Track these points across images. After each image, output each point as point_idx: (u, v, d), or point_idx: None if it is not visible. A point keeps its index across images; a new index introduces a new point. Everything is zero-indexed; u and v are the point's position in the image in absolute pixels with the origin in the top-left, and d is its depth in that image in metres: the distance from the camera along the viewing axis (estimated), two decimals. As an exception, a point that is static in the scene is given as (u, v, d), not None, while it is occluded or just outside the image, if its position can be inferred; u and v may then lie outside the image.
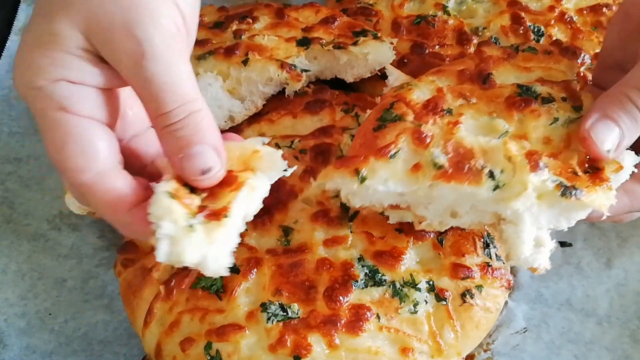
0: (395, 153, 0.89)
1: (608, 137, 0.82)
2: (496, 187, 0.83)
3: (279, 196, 1.07)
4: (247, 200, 0.83)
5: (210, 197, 0.81)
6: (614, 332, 1.05)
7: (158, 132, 0.77)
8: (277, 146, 1.13)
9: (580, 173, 0.84)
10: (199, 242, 0.75)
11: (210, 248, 0.76)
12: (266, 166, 0.86)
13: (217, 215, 0.78)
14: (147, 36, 0.73)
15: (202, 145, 0.77)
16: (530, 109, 0.91)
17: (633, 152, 0.86)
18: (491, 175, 0.83)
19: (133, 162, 0.84)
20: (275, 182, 0.91)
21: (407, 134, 0.91)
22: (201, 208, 0.79)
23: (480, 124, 0.92)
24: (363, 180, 0.88)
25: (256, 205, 0.85)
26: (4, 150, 1.29)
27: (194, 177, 0.78)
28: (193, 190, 0.81)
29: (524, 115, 0.91)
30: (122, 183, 0.77)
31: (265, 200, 0.89)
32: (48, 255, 1.17)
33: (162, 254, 0.74)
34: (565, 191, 0.81)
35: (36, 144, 1.29)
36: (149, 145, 0.87)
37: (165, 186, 0.78)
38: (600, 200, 0.81)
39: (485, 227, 0.98)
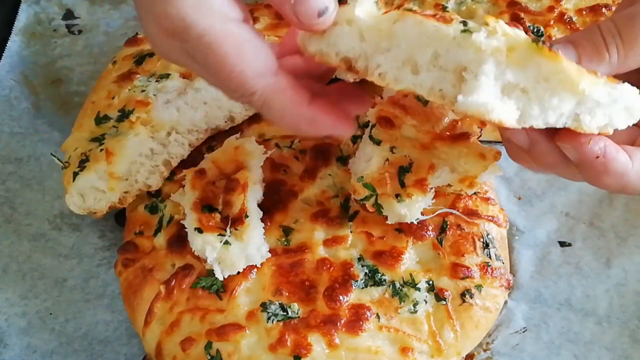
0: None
1: (560, 54, 0.73)
2: (465, 31, 0.71)
3: (279, 196, 1.07)
4: (254, 193, 1.01)
5: (227, 207, 0.99)
6: (613, 332, 1.05)
7: None
8: (277, 146, 1.13)
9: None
10: (238, 250, 0.96)
11: (248, 248, 0.96)
12: (251, 156, 1.04)
13: (240, 220, 0.97)
14: None
15: None
16: None
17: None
18: (464, 23, 0.73)
19: None
20: (276, 182, 1.02)
21: None
22: (224, 220, 0.98)
23: None
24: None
25: (261, 191, 1.05)
26: (5, 151, 1.29)
27: (312, 22, 0.73)
28: (210, 208, 0.99)
29: None
30: (292, 80, 0.75)
31: (265, 200, 0.99)
32: (49, 255, 1.17)
33: (219, 274, 0.96)
34: (538, 42, 0.70)
35: (37, 144, 1.29)
36: None
37: (191, 222, 0.97)
38: (583, 76, 0.70)
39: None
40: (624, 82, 0.74)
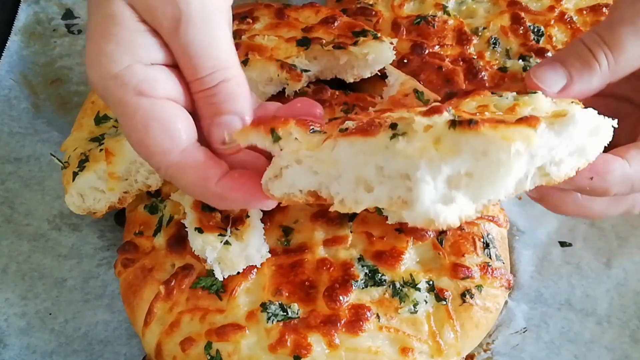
0: (317, 130, 0.78)
1: (551, 77, 0.76)
2: (394, 136, 0.69)
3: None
4: None
5: None
6: (613, 332, 1.05)
7: (194, 96, 0.78)
8: (277, 146, 1.13)
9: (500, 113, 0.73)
10: (238, 250, 0.94)
11: (248, 248, 0.95)
12: None
13: (240, 219, 0.96)
14: (185, 0, 0.73)
15: (231, 116, 0.78)
16: None
17: (593, 110, 0.72)
18: (393, 126, 0.70)
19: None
20: None
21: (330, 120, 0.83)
22: (225, 219, 0.97)
23: None
24: (277, 139, 0.78)
25: None
26: (5, 151, 1.29)
27: (216, 145, 0.78)
28: (211, 207, 0.96)
29: None
30: (205, 156, 0.78)
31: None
32: (48, 255, 1.17)
33: (219, 275, 0.95)
34: (455, 123, 0.66)
35: (36, 144, 1.29)
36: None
37: (192, 222, 0.96)
38: (514, 134, 0.64)
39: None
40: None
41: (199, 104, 0.78)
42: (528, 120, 0.66)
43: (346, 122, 0.76)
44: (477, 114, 0.72)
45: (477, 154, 0.66)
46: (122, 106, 0.75)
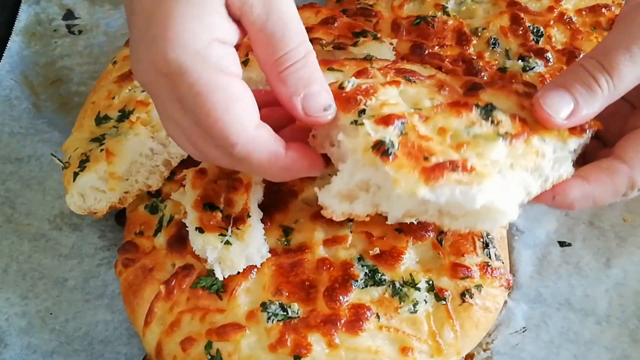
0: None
1: (559, 104, 0.80)
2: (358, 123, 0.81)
3: (279, 196, 1.07)
4: (255, 193, 1.02)
5: (228, 206, 1.00)
6: (613, 331, 1.05)
7: (277, 75, 0.79)
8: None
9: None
10: (239, 250, 0.95)
11: (248, 248, 0.96)
12: None
13: (242, 219, 0.98)
14: None
15: (321, 84, 0.80)
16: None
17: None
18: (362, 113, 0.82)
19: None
20: (276, 182, 1.01)
21: None
22: (226, 219, 0.98)
23: None
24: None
25: (262, 192, 1.04)
26: (5, 151, 1.29)
27: (316, 115, 0.80)
28: (212, 206, 0.98)
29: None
30: (270, 132, 0.80)
31: (265, 200, 0.99)
32: (49, 255, 1.17)
33: (219, 274, 0.96)
34: (376, 147, 0.78)
35: (37, 144, 1.30)
36: None
37: (192, 221, 0.97)
38: (405, 181, 0.76)
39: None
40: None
41: (285, 81, 0.78)
42: (427, 172, 0.75)
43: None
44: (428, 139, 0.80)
45: (380, 182, 0.80)
46: (200, 86, 0.73)
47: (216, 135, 0.76)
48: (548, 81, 1.15)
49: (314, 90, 0.79)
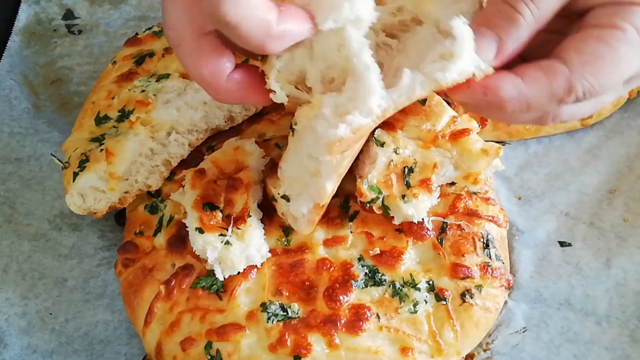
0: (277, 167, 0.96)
1: (482, 46, 0.76)
2: (293, 131, 0.86)
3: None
4: (255, 193, 1.02)
5: (228, 206, 0.99)
6: (613, 331, 1.05)
7: None
8: (277, 146, 1.13)
9: None
10: (239, 250, 0.96)
11: (248, 248, 0.97)
12: (250, 156, 1.05)
13: (242, 219, 0.97)
14: None
15: None
16: None
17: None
18: (291, 126, 0.87)
19: None
20: None
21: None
22: (226, 219, 0.98)
23: None
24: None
25: (261, 192, 1.04)
26: (5, 151, 1.29)
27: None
28: (212, 206, 0.99)
29: None
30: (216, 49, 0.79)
31: (265, 200, 0.99)
32: (49, 255, 1.17)
33: (219, 275, 0.97)
34: None
35: (37, 144, 1.30)
36: None
37: (192, 222, 0.97)
38: None
39: None
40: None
41: None
42: None
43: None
44: None
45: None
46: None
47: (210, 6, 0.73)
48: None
49: None
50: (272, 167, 1.09)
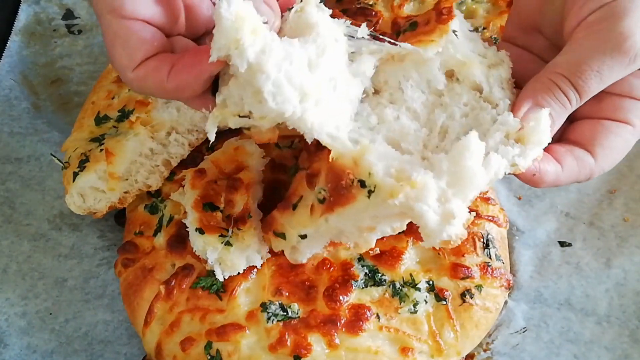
0: (296, 203, 0.91)
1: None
2: (370, 193, 0.79)
3: (279, 196, 1.07)
4: (254, 194, 1.02)
5: (229, 206, 0.98)
6: (613, 331, 1.05)
7: None
8: (277, 146, 1.13)
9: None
10: (239, 251, 0.96)
11: (249, 249, 0.96)
12: (250, 157, 1.05)
13: (242, 219, 0.97)
14: None
15: None
16: None
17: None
18: (362, 184, 0.80)
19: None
20: (276, 182, 1.02)
21: (302, 181, 0.92)
22: (226, 219, 0.98)
23: None
24: (284, 237, 0.93)
25: (261, 192, 1.04)
26: (5, 151, 1.29)
27: None
28: (212, 206, 0.98)
29: None
30: (156, 62, 0.81)
31: (265, 200, 0.99)
32: (49, 255, 1.17)
33: (220, 275, 0.96)
34: None
35: (37, 144, 1.29)
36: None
37: (192, 222, 0.97)
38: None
39: None
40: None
41: None
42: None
43: (317, 188, 0.85)
44: None
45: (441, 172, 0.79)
46: (100, 20, 0.82)
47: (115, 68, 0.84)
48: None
49: None
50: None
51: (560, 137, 0.91)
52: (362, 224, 0.85)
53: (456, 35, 0.93)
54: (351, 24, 0.86)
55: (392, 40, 0.89)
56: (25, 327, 1.10)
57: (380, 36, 0.89)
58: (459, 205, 0.78)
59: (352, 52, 0.87)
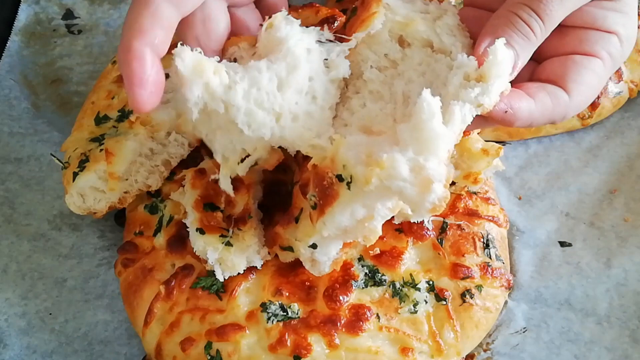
0: (298, 216, 0.93)
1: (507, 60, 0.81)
2: (349, 185, 0.80)
3: (279, 196, 1.07)
4: (255, 194, 1.02)
5: (229, 206, 0.99)
6: (613, 332, 1.05)
7: None
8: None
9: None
10: (239, 251, 0.96)
11: (249, 249, 0.97)
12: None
13: (243, 219, 0.98)
14: None
15: None
16: None
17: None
18: (340, 178, 0.81)
19: (243, 31, 0.89)
20: (276, 182, 1.02)
21: (299, 193, 0.93)
22: (227, 219, 0.98)
23: None
24: (291, 250, 0.94)
25: (261, 192, 1.04)
26: (5, 151, 1.29)
27: None
28: (212, 206, 0.98)
29: None
30: (154, 27, 0.81)
31: (265, 201, 0.99)
32: (48, 255, 1.17)
33: (220, 275, 0.96)
34: None
35: (36, 144, 1.29)
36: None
37: (192, 222, 0.97)
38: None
39: None
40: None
41: None
42: None
43: (309, 196, 0.86)
44: None
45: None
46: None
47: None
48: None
49: None
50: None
51: (531, 78, 0.87)
52: (357, 215, 0.84)
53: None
54: (320, 29, 0.88)
55: (345, 37, 0.90)
56: (25, 327, 1.10)
57: (342, 36, 0.90)
58: (434, 168, 0.76)
59: (325, 59, 0.88)
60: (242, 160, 0.85)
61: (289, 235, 0.94)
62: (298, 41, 0.82)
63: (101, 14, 1.48)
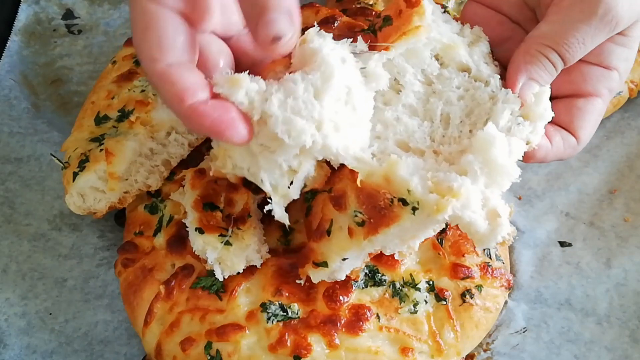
0: (329, 228, 0.91)
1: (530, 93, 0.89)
2: (414, 210, 0.80)
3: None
4: (255, 192, 1.00)
5: (229, 206, 0.99)
6: (613, 332, 1.05)
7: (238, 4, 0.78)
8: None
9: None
10: (239, 251, 0.96)
11: (249, 248, 0.96)
12: None
13: (242, 219, 0.98)
14: None
15: (276, 13, 0.76)
16: None
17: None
18: (404, 202, 0.81)
19: (244, 60, 0.86)
20: None
21: (327, 204, 0.91)
22: (226, 219, 0.98)
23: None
24: (326, 265, 0.91)
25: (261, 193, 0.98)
26: (5, 151, 1.29)
27: (266, 47, 0.77)
28: (212, 206, 0.98)
29: None
30: (189, 77, 0.77)
31: (265, 200, 0.97)
32: (48, 255, 1.17)
33: (219, 275, 0.96)
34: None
35: (36, 144, 1.29)
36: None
37: (192, 222, 0.97)
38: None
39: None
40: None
41: (243, 5, 0.78)
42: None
43: (350, 211, 0.86)
44: None
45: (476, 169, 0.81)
46: (133, 6, 0.77)
47: (138, 56, 0.78)
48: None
49: (266, 19, 0.74)
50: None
51: None
52: (406, 236, 0.86)
53: (434, 18, 0.92)
54: (352, 41, 0.85)
55: (383, 44, 0.89)
56: (25, 327, 1.10)
57: (378, 44, 0.89)
58: (499, 202, 0.81)
59: (362, 68, 0.86)
60: (291, 184, 0.84)
61: (324, 249, 0.92)
62: (331, 50, 0.80)
63: (101, 14, 1.48)
